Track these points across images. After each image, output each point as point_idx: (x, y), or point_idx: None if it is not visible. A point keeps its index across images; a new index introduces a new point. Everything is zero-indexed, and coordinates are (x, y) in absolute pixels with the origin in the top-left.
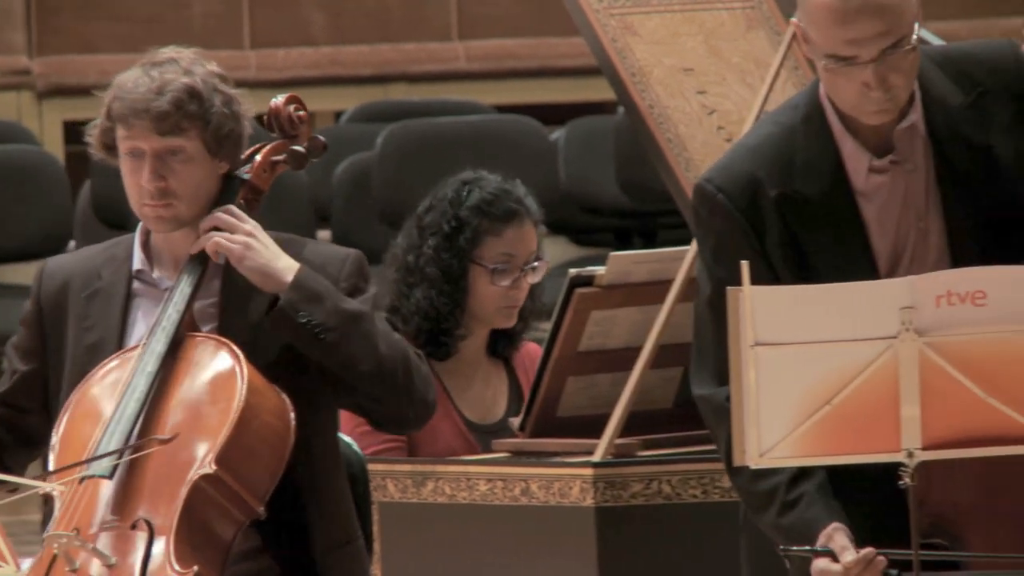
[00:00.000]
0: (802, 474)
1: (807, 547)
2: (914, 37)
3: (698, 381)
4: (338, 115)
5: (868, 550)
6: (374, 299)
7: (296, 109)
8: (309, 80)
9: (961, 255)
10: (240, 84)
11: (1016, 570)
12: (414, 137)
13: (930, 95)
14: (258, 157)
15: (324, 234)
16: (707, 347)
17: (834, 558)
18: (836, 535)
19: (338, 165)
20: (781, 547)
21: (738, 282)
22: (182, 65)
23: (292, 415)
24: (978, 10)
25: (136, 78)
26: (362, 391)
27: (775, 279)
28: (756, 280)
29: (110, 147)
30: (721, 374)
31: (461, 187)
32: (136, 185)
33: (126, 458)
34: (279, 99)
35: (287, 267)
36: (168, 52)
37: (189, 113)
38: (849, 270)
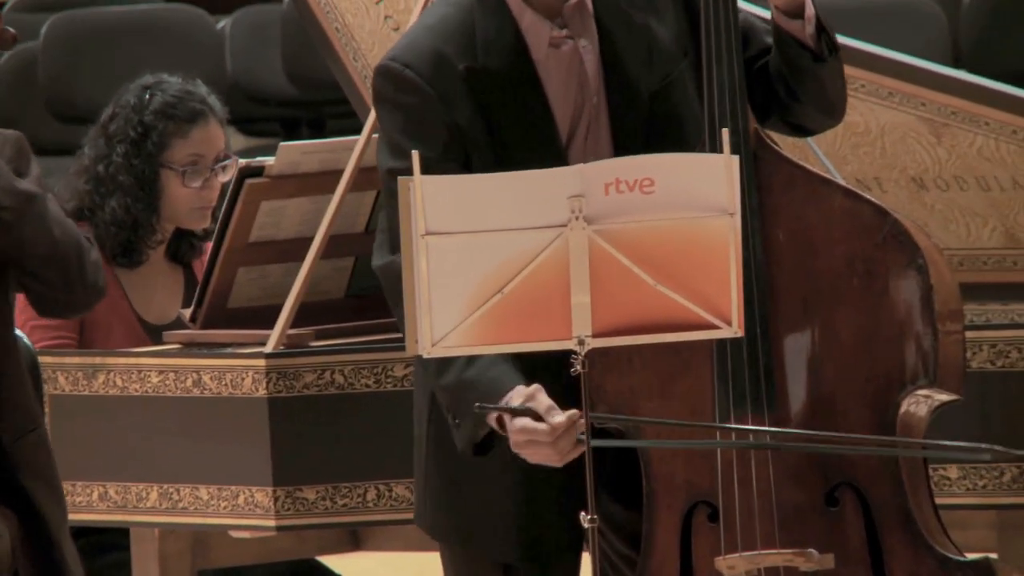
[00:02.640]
0: None
1: (508, 405)
2: None
3: (378, 254)
4: (1, 4)
5: (574, 411)
6: (39, 181)
7: None
8: None
9: (623, 135)
10: None
11: (685, 440)
12: (80, 27)
13: None
14: None
15: None
16: (390, 220)
17: (535, 417)
18: (539, 395)
19: (2, 56)
20: (478, 404)
21: (433, 155)
22: None
23: None
24: None
25: None
26: (33, 273)
27: (466, 156)
28: (448, 156)
29: None
30: (397, 244)
31: (143, 92)
32: None
33: None
34: None
35: None
36: None
37: None
38: (535, 141)
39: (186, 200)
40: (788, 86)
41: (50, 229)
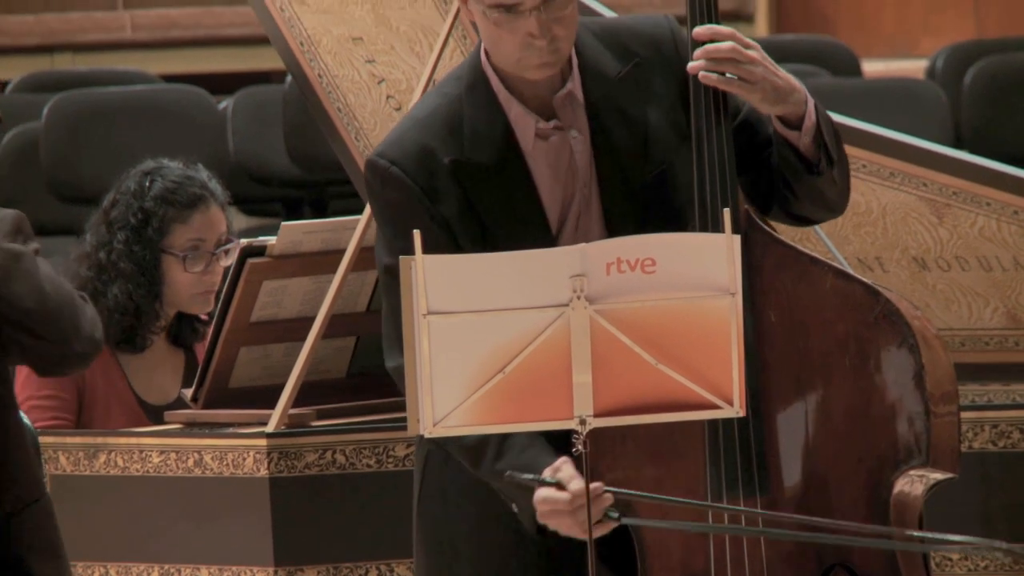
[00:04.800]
0: None
1: (534, 476)
2: None
3: (389, 353)
4: (3, 85)
5: (597, 484)
6: (36, 252)
7: None
8: None
9: (615, 224)
10: None
11: (689, 521)
12: (81, 107)
13: (587, 64)
14: None
15: None
16: (394, 318)
17: (559, 488)
18: (564, 467)
19: (4, 136)
20: (508, 473)
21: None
22: None
23: None
24: None
25: None
26: (27, 329)
27: (456, 247)
28: (438, 249)
29: None
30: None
31: (143, 178)
32: None
33: None
34: None
35: None
36: None
37: None
38: (524, 232)
39: (188, 285)
40: (787, 182)
41: (39, 284)
